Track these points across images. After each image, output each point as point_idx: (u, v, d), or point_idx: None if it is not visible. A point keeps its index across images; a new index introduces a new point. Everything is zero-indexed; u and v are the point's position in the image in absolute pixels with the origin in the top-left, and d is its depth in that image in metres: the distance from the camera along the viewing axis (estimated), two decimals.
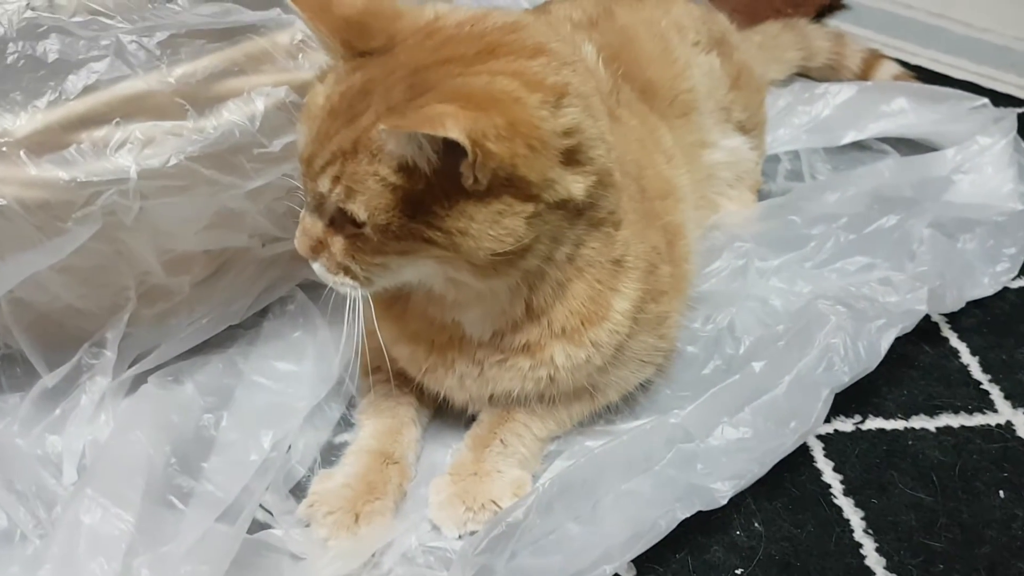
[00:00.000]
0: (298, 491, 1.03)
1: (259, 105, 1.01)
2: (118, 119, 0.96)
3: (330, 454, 1.08)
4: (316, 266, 0.93)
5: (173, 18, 1.00)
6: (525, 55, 0.89)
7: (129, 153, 0.96)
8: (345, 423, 1.12)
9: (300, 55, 1.05)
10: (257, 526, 0.98)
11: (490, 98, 0.83)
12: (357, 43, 0.89)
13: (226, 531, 0.93)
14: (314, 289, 1.21)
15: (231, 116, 1.00)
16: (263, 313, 1.19)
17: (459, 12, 0.94)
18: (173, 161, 0.97)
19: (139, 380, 1.08)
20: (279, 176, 1.05)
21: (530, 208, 0.87)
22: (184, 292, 1.11)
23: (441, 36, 0.90)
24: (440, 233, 0.86)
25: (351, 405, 1.13)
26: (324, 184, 0.86)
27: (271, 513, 1.00)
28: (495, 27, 0.91)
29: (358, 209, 0.85)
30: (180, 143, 0.98)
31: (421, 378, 1.06)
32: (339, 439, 1.10)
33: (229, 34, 1.02)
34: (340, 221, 0.89)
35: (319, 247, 0.91)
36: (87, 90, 0.95)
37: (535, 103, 0.85)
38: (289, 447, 1.05)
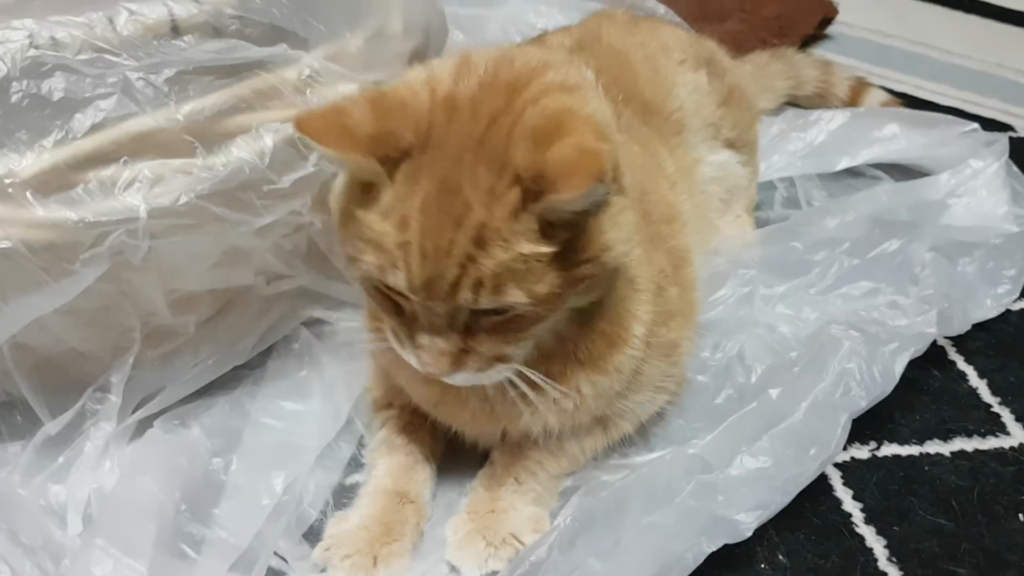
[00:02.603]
0: (311, 535, 1.00)
1: (268, 141, 1.00)
2: (126, 157, 0.94)
3: (342, 496, 1.05)
4: (460, 376, 0.88)
5: (180, 55, 0.99)
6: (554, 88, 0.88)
7: (138, 192, 0.94)
8: (355, 463, 1.09)
9: (308, 90, 1.04)
10: (271, 574, 0.95)
11: (569, 115, 0.83)
12: (393, 152, 0.82)
13: None
14: (319, 326, 1.19)
15: (240, 153, 0.99)
16: (268, 352, 1.16)
17: (461, 80, 0.87)
18: (183, 200, 0.95)
19: (144, 425, 1.05)
20: (288, 212, 1.03)
21: (627, 200, 0.88)
22: (189, 332, 1.08)
23: (465, 106, 0.85)
24: (589, 264, 0.84)
25: (361, 444, 1.11)
26: (466, 297, 0.81)
27: (285, 560, 0.97)
28: (518, 72, 0.89)
29: (516, 296, 0.81)
30: (190, 181, 0.96)
31: (434, 412, 1.04)
32: (350, 480, 1.07)
33: (236, 70, 1.00)
34: (478, 319, 0.85)
35: (463, 357, 0.86)
36: (94, 128, 0.93)
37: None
38: (301, 490, 1.03)
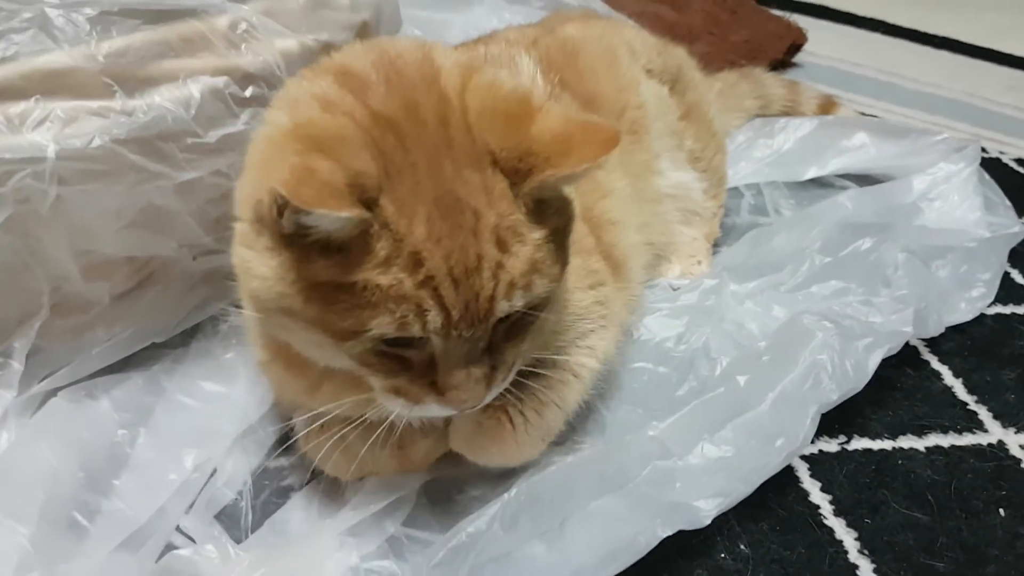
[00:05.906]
0: (224, 517, 0.91)
1: (194, 92, 0.94)
2: (38, 95, 0.88)
3: (264, 478, 0.96)
4: (488, 397, 0.80)
5: None
6: None
7: (48, 131, 0.87)
8: (280, 445, 1.00)
9: (243, 44, 0.98)
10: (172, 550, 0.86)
11: (515, 91, 0.82)
12: (372, 193, 0.71)
13: (129, 558, 0.81)
14: None
15: (163, 100, 0.92)
16: (192, 332, 1.08)
17: (368, 94, 0.78)
18: (97, 142, 0.88)
19: (49, 396, 0.96)
20: (212, 171, 0.97)
21: None
22: (103, 303, 1.00)
23: (402, 118, 0.77)
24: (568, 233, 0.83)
25: (290, 427, 1.01)
26: (503, 307, 0.75)
27: (193, 540, 0.87)
28: (414, 63, 0.82)
29: (543, 287, 0.77)
30: (105, 124, 0.89)
31: None
32: (275, 463, 0.98)
33: (167, 16, 0.95)
34: (497, 330, 0.78)
35: (493, 375, 0.79)
36: (3, 61, 0.87)
37: None
38: (215, 470, 0.93)
